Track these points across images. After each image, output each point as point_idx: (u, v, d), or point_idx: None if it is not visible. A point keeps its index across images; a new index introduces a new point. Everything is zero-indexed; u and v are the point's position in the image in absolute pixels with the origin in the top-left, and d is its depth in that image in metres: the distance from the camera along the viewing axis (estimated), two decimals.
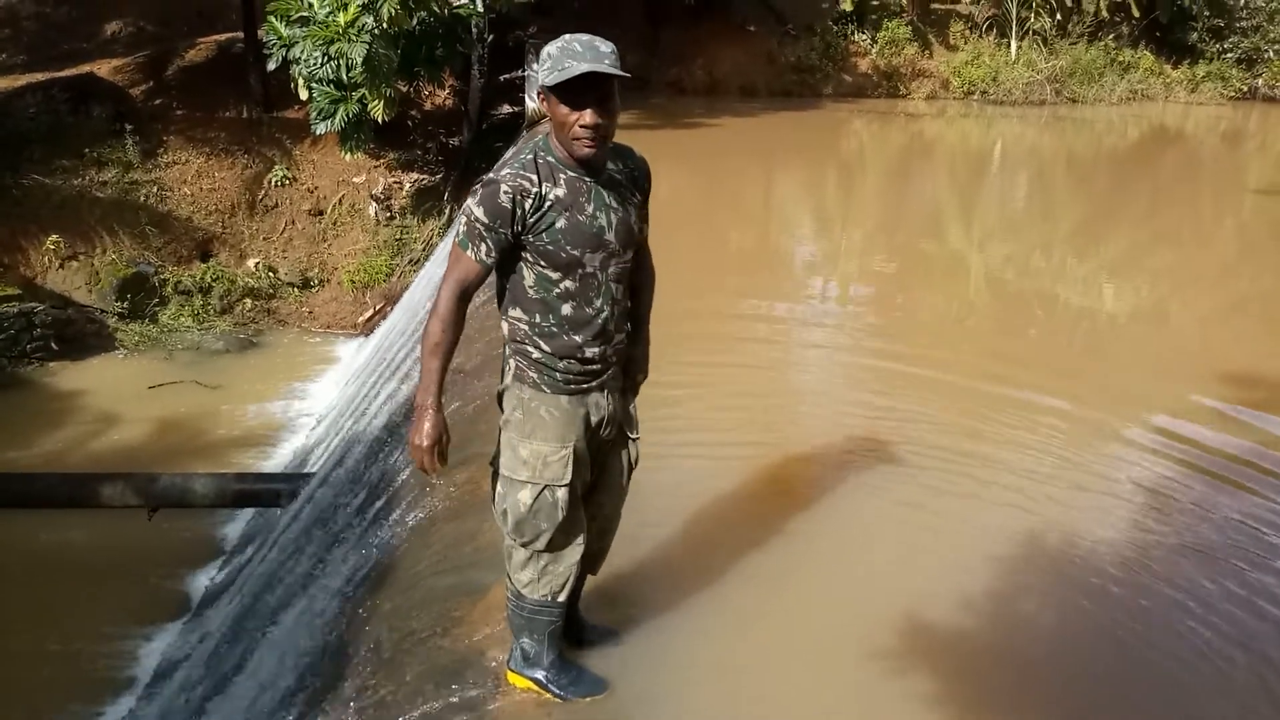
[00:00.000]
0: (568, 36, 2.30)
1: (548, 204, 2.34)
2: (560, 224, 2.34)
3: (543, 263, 2.37)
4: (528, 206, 2.32)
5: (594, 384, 2.49)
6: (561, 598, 2.53)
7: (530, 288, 2.40)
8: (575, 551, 2.51)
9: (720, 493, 3.92)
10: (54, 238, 12.30)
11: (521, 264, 2.39)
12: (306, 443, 9.25)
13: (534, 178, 2.33)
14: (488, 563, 3.37)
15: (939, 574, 3.44)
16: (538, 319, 2.42)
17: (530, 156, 2.36)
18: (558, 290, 2.39)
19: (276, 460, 9.35)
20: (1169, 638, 3.23)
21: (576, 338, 2.42)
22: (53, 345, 11.40)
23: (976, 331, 6.67)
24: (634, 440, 2.71)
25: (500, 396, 2.54)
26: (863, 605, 3.23)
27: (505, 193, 2.31)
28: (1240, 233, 10.69)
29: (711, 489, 3.93)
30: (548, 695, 2.65)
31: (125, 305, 12.25)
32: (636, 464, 2.76)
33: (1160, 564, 3.60)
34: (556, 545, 2.49)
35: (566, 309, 2.40)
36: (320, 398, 10.72)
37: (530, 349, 2.45)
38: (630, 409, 2.71)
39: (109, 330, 12.12)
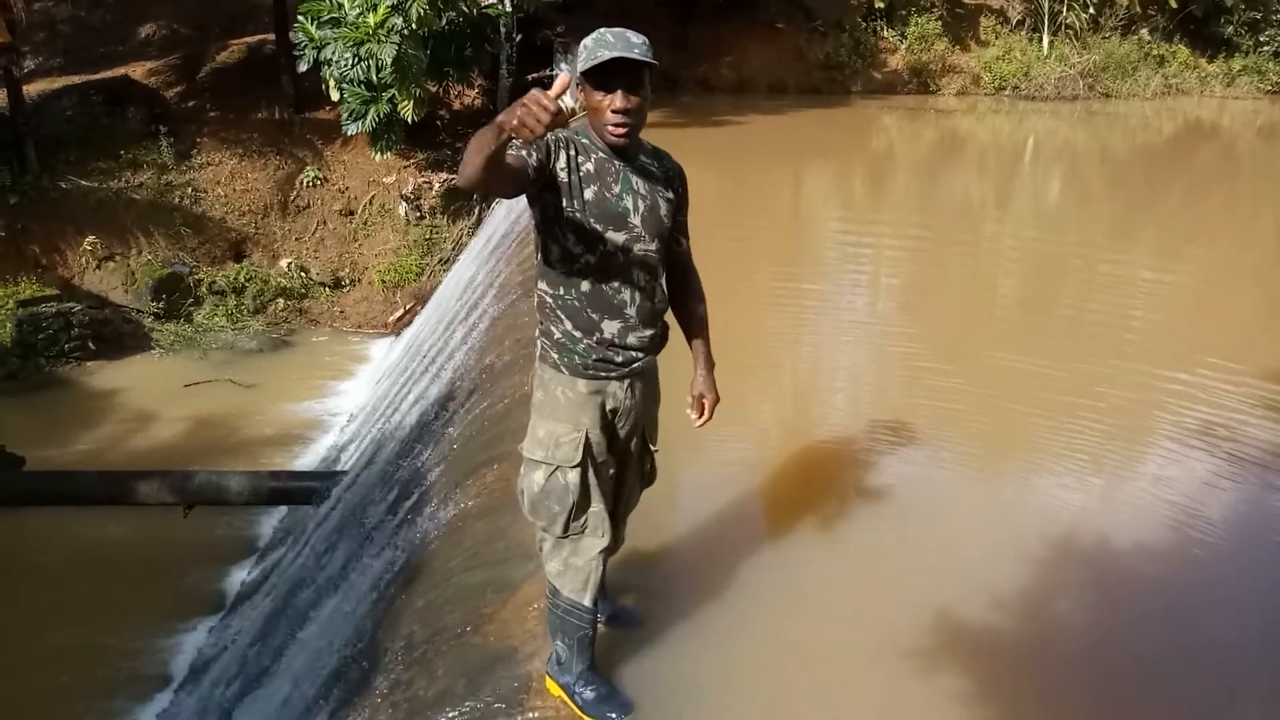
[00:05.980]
0: (603, 29, 2.39)
1: (580, 172, 2.42)
2: (589, 195, 2.42)
3: (569, 236, 2.43)
4: (564, 157, 2.38)
5: (613, 374, 2.52)
6: (586, 600, 2.54)
7: (556, 262, 2.47)
8: (594, 543, 2.53)
9: (750, 489, 3.92)
10: (91, 239, 12.50)
11: (550, 239, 2.45)
12: (339, 441, 9.33)
13: (571, 147, 2.42)
14: (519, 559, 3.39)
15: (974, 573, 3.42)
16: (560, 291, 2.49)
17: (566, 134, 2.43)
18: (578, 265, 2.45)
19: (309, 458, 9.44)
20: (1209, 634, 3.19)
21: (594, 315, 2.48)
22: (90, 345, 11.59)
23: (1011, 327, 6.60)
24: (654, 452, 2.76)
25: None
26: (896, 604, 3.21)
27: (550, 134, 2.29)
28: (1278, 227, 10.52)
29: (741, 485, 3.93)
30: (573, 705, 2.65)
31: (161, 305, 12.43)
32: (652, 479, 2.81)
33: (1200, 559, 3.56)
34: (572, 531, 2.51)
35: (585, 285, 2.47)
36: (352, 397, 10.81)
37: (553, 326, 2.52)
38: (654, 415, 2.73)
39: (145, 330, 12.30)
